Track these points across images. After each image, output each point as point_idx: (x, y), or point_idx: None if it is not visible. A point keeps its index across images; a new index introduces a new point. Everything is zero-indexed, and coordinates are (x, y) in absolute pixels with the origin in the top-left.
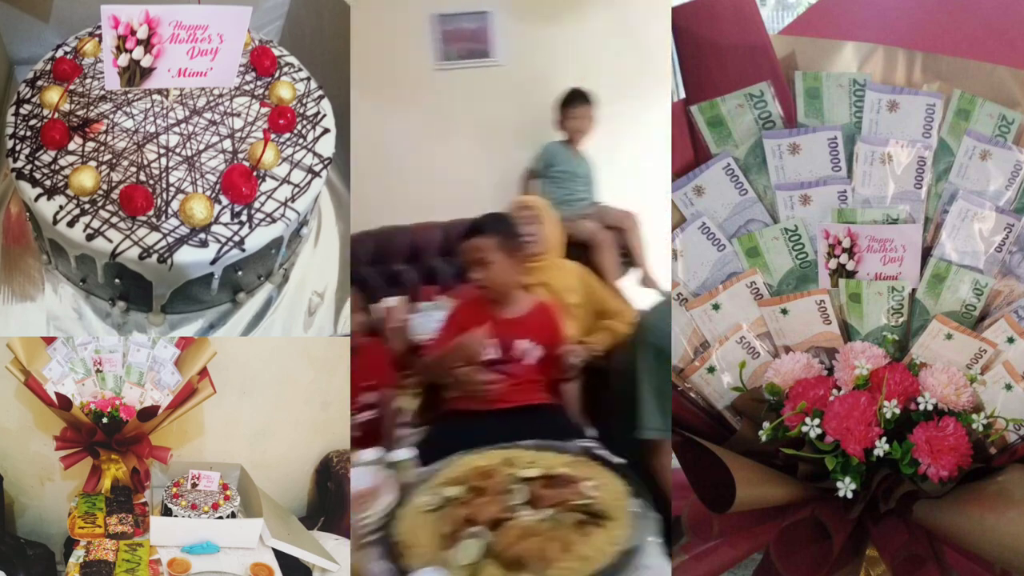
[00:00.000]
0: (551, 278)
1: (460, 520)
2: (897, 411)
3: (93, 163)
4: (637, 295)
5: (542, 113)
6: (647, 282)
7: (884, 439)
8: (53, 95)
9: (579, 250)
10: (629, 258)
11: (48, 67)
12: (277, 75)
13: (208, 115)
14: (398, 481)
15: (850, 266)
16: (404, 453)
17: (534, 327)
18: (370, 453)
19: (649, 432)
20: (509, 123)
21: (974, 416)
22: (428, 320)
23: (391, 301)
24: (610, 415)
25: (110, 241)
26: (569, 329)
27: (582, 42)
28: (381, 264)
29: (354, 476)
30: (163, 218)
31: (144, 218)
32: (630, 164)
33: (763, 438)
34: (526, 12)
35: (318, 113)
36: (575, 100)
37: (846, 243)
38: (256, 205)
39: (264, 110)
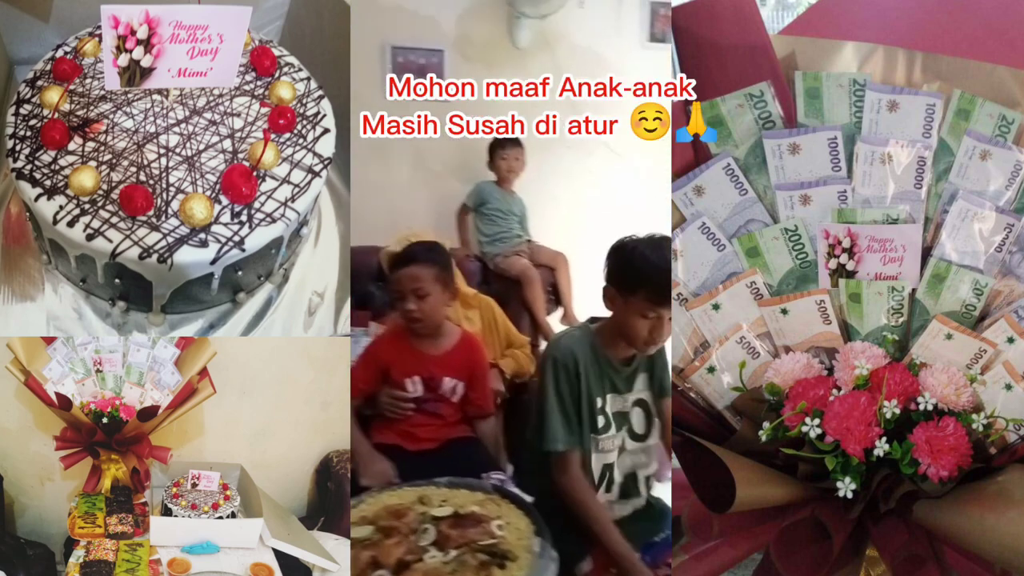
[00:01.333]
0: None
1: (367, 562)
2: (897, 411)
3: (93, 163)
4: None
5: (481, 151)
6: (569, 319)
7: (884, 439)
8: (53, 95)
9: (509, 285)
10: (556, 296)
11: (48, 67)
12: (277, 75)
13: (208, 115)
14: None
15: (850, 266)
16: None
17: (460, 363)
18: None
19: (553, 444)
20: (448, 158)
21: (974, 416)
22: (356, 347)
23: None
24: (523, 448)
25: (110, 241)
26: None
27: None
28: None
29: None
30: (163, 218)
31: (144, 218)
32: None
33: (763, 438)
34: (475, 56)
35: (318, 113)
36: (505, 143)
37: (846, 243)
38: (256, 205)
39: (264, 110)
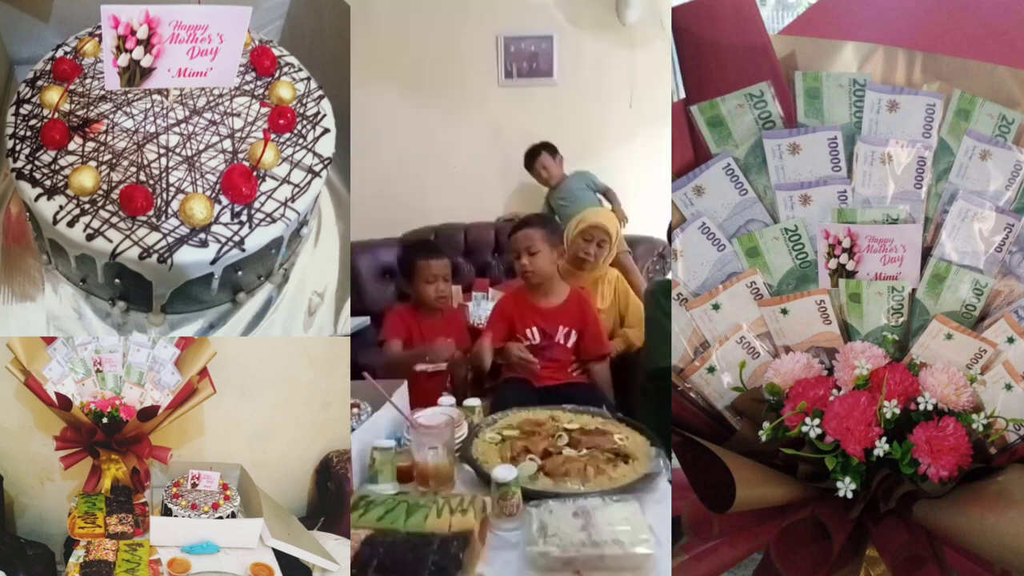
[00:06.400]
0: (588, 284)
1: (520, 448)
2: (897, 411)
3: (93, 163)
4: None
5: (593, 128)
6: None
7: (884, 439)
8: (53, 95)
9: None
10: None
11: (48, 67)
12: (277, 75)
13: (208, 115)
14: (469, 420)
15: (850, 266)
16: (474, 401)
17: (571, 315)
18: (448, 399)
19: (664, 360)
20: (562, 138)
21: (974, 416)
22: (479, 309)
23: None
24: (635, 396)
25: (110, 241)
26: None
27: (637, 65)
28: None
29: (439, 410)
30: (163, 218)
31: (144, 218)
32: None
33: (763, 438)
34: (585, 34)
35: (318, 113)
36: (536, 154)
37: (846, 243)
38: (256, 205)
39: (264, 110)
